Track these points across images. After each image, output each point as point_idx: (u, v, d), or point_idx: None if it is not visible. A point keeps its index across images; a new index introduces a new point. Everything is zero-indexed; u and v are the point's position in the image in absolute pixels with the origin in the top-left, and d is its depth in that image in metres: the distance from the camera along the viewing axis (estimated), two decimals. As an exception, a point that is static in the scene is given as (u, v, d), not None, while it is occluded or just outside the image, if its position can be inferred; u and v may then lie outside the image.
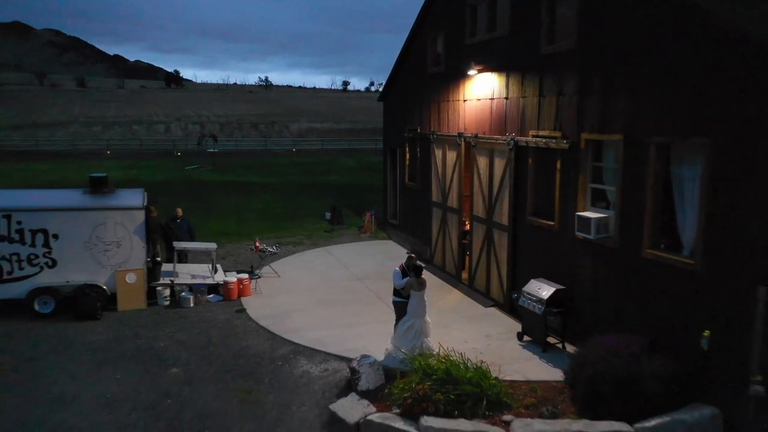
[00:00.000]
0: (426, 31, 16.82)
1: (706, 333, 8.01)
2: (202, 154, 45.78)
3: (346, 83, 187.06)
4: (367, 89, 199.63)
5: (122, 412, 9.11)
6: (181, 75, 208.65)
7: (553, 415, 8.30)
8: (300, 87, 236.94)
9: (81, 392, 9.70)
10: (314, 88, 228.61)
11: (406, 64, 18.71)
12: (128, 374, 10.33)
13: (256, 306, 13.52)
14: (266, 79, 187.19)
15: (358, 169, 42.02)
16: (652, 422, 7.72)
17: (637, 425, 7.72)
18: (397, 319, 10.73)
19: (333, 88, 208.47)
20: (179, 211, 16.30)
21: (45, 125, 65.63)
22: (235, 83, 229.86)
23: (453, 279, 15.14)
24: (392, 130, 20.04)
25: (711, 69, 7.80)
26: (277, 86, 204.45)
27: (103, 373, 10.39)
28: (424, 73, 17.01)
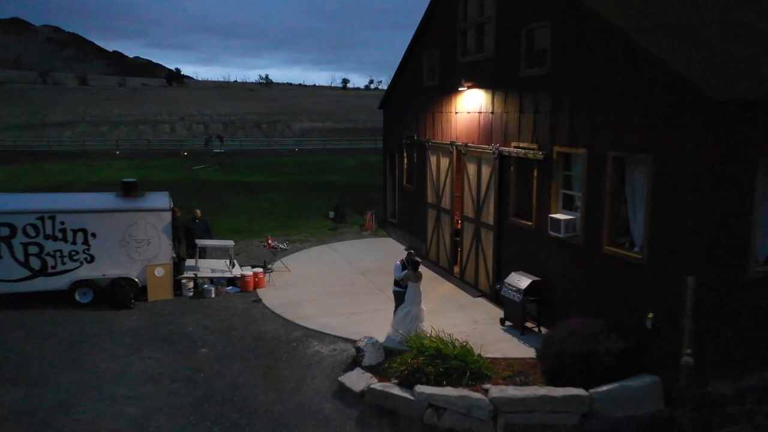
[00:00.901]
0: (422, 48, 18.47)
1: (650, 315, 9.70)
2: (208, 153, 47.38)
3: (345, 81, 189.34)
4: (367, 87, 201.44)
5: (164, 383, 10.81)
6: (182, 72, 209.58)
7: (525, 384, 10.00)
8: (300, 84, 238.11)
9: (127, 368, 11.39)
10: (314, 85, 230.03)
11: (404, 75, 20.36)
12: (164, 354, 12.02)
13: (270, 296, 15.22)
14: (266, 77, 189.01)
15: (359, 169, 43.63)
16: (603, 388, 9.41)
17: (592, 390, 9.40)
18: (396, 306, 12.40)
19: (333, 85, 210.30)
20: (197, 212, 17.98)
21: (53, 125, 67.23)
22: (236, 81, 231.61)
23: (446, 272, 16.84)
24: (391, 136, 21.70)
25: (654, 100, 9.46)
26: (278, 84, 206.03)
27: (143, 353, 12.08)
28: (420, 86, 18.66)
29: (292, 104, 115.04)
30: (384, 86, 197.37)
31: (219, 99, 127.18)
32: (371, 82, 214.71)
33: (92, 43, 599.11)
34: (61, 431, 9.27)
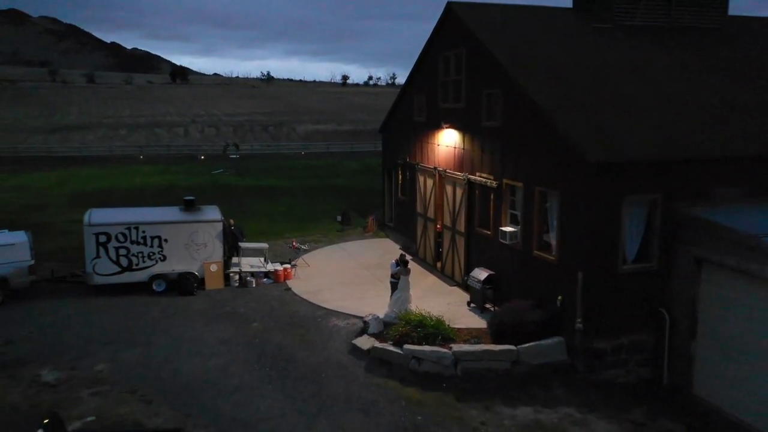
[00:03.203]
0: (413, 90, 23.29)
1: (560, 297, 14.60)
2: (224, 158, 52.06)
3: (345, 78, 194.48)
4: (366, 83, 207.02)
5: (232, 345, 15.72)
6: (180, 65, 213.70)
7: (477, 343, 14.92)
8: (300, 80, 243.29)
9: (203, 336, 16.30)
10: (314, 81, 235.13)
11: (399, 108, 25.17)
12: (227, 326, 16.93)
13: (297, 286, 20.12)
14: (268, 73, 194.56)
15: (360, 172, 48.34)
16: (527, 345, 14.32)
17: (519, 346, 14.32)
18: (392, 293, 17.29)
19: (332, 81, 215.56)
20: (231, 221, 22.78)
21: (76, 128, 72.00)
22: (237, 76, 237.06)
23: (431, 267, 21.74)
24: (389, 156, 26.54)
25: (560, 155, 14.32)
26: (278, 80, 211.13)
27: (211, 326, 16.99)
28: (411, 119, 23.47)
29: (294, 103, 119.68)
30: (382, 83, 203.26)
31: (223, 97, 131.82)
32: (370, 78, 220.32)
33: (90, 35, 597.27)
34: (171, 374, 14.16)
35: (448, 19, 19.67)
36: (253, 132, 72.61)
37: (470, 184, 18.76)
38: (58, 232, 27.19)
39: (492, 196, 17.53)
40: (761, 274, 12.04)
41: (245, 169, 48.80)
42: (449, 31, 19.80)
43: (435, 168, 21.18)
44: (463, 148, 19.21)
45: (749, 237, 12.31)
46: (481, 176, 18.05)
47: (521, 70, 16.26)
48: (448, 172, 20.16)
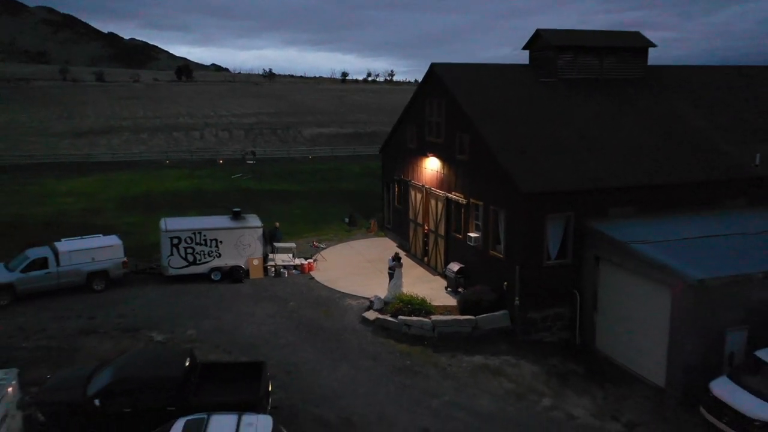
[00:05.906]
0: (406, 121, 29.73)
1: (506, 283, 21.11)
2: (242, 162, 58.36)
3: (345, 74, 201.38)
4: (365, 80, 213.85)
5: (277, 318, 22.24)
6: (186, 60, 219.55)
7: (448, 315, 21.46)
8: (301, 77, 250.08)
9: (255, 311, 22.82)
10: (315, 77, 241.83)
11: (396, 134, 31.57)
12: (271, 305, 23.45)
13: (318, 276, 26.63)
14: (270, 70, 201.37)
15: (363, 176, 54.53)
16: (482, 315, 20.87)
17: (477, 317, 20.85)
18: (389, 281, 23.79)
19: (333, 77, 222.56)
20: (276, 224, 29.24)
21: (100, 132, 78.31)
22: (239, 72, 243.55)
23: (420, 261, 28.26)
24: (388, 172, 32.98)
25: (505, 185, 20.78)
26: (280, 76, 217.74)
27: (259, 305, 23.50)
28: (405, 145, 29.89)
29: (297, 102, 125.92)
30: (380, 79, 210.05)
31: (228, 96, 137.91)
32: (369, 75, 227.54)
33: (87, 25, 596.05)
34: (239, 336, 20.65)
35: (432, 76, 26.10)
36: (263, 135, 79.06)
37: (448, 200, 25.23)
38: (121, 234, 33.53)
39: (462, 210, 24.02)
40: (629, 267, 18.62)
41: (261, 173, 55.07)
42: (432, 85, 26.22)
43: (423, 185, 27.65)
44: (443, 173, 25.69)
45: (623, 243, 18.86)
46: (455, 195, 24.54)
47: (482, 120, 22.68)
48: (433, 190, 26.64)
